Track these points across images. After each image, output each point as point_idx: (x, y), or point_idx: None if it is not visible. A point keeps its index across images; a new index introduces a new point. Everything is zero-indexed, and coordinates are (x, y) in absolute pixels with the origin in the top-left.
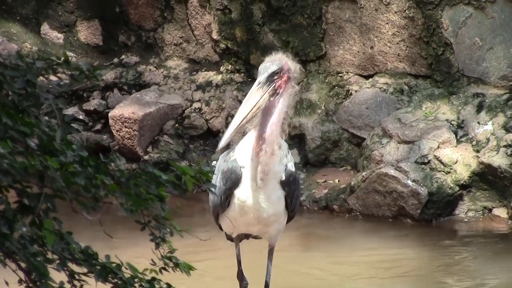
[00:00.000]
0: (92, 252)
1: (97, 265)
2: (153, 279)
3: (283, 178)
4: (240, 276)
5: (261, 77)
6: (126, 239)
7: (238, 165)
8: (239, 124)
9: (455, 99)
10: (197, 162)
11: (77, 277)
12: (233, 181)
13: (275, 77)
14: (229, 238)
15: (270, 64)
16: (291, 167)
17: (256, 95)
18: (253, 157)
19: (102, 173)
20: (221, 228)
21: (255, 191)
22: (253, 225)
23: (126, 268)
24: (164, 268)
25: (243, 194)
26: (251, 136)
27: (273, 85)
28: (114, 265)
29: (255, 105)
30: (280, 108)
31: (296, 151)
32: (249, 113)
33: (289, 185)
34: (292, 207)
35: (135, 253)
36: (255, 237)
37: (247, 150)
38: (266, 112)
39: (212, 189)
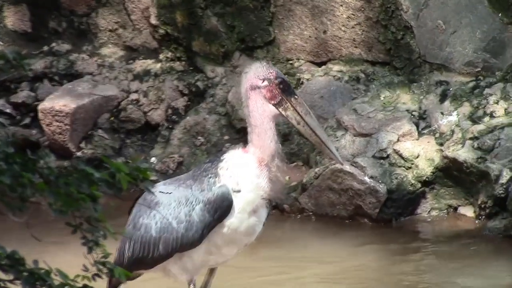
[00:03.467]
0: (19, 257)
1: (24, 271)
2: (85, 286)
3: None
4: None
5: None
6: (56, 243)
7: (229, 191)
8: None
9: (416, 88)
10: (134, 159)
11: (2, 284)
12: (224, 209)
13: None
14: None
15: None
16: None
17: None
18: (262, 176)
19: (29, 171)
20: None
21: (250, 215)
22: (229, 254)
23: (56, 275)
24: (97, 275)
25: (235, 221)
26: (239, 157)
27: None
28: (42, 271)
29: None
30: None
31: (242, 146)
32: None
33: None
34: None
35: (66, 258)
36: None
37: (242, 173)
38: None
39: (181, 224)
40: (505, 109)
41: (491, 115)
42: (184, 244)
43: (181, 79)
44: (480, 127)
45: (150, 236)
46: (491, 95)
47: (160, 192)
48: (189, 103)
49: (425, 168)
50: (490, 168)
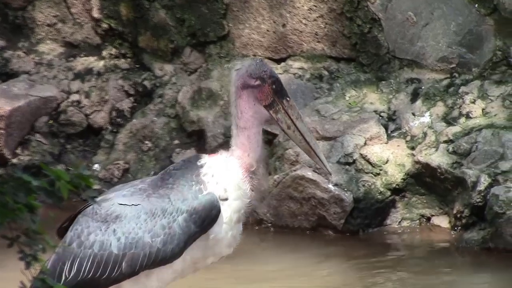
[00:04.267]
0: None
1: None
2: None
3: None
4: None
5: None
6: None
7: (216, 198)
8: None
9: (385, 86)
10: (75, 165)
11: None
12: (212, 218)
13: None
14: None
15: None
16: None
17: None
18: (246, 182)
19: None
20: None
21: (236, 223)
22: (200, 268)
23: None
24: None
25: (221, 230)
26: (223, 162)
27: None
28: None
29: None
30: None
31: (194, 151)
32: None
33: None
34: None
35: (1, 275)
36: None
37: (228, 179)
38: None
39: (157, 239)
40: (483, 109)
41: (467, 116)
42: (160, 259)
43: (127, 78)
44: (455, 129)
45: (110, 254)
46: (467, 93)
47: (120, 204)
48: (135, 104)
49: (395, 175)
50: (466, 174)
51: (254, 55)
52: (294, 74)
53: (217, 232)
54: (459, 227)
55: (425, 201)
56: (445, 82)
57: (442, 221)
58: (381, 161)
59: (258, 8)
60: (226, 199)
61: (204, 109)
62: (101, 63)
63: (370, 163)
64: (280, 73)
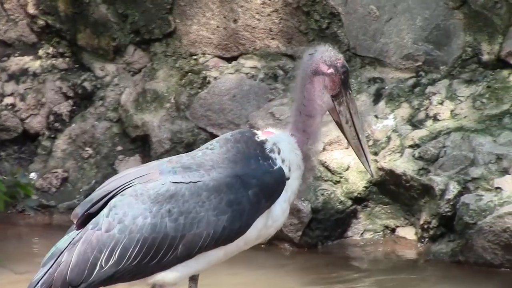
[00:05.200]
0: None
1: None
2: None
3: None
4: None
5: None
6: None
7: (284, 173)
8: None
9: None
10: (13, 172)
11: None
12: (279, 193)
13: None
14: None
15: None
16: None
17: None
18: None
19: None
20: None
21: (289, 202)
22: (245, 248)
23: None
24: None
25: (280, 208)
26: (287, 141)
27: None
28: None
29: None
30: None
31: (139, 158)
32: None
33: None
34: None
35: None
36: None
37: (291, 159)
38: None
39: (223, 216)
40: (451, 111)
41: (435, 118)
42: (223, 239)
43: (65, 79)
44: (422, 132)
45: (164, 236)
46: (434, 94)
47: (174, 182)
48: (74, 107)
49: (357, 182)
50: (434, 181)
51: (203, 54)
52: (247, 73)
53: (276, 211)
54: (427, 239)
55: (389, 211)
56: (410, 82)
57: (408, 233)
58: (342, 167)
59: (207, 2)
60: (288, 179)
61: (149, 112)
62: (37, 63)
63: (329, 170)
64: (231, 73)
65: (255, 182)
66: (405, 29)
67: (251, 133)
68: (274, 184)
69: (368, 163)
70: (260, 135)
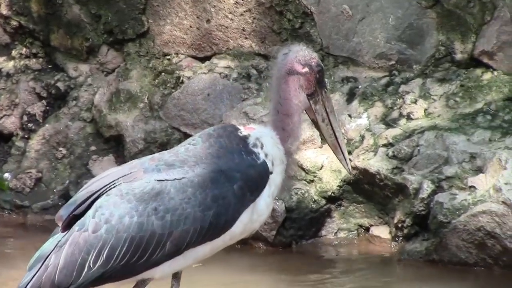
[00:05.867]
0: None
1: None
2: None
3: None
4: None
5: None
6: None
7: (268, 167)
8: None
9: None
10: None
11: None
12: (263, 187)
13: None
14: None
15: None
16: None
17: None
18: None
19: None
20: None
21: (272, 196)
22: (229, 243)
23: None
24: None
25: (264, 203)
26: (269, 136)
27: None
28: None
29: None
30: None
31: (112, 158)
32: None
33: None
34: None
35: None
36: None
37: (274, 154)
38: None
39: (209, 212)
40: (425, 110)
41: (408, 117)
42: (210, 234)
43: (38, 79)
44: (395, 131)
45: (152, 234)
46: (407, 93)
47: (158, 180)
48: (48, 108)
49: (331, 182)
50: (408, 180)
51: (177, 53)
52: (220, 73)
53: (261, 205)
54: (401, 238)
55: (363, 210)
56: (383, 81)
57: (382, 232)
58: (315, 167)
59: (180, 2)
60: (271, 173)
61: (123, 112)
62: (11, 63)
63: (303, 169)
64: (204, 73)
65: (239, 176)
66: (378, 28)
67: (233, 128)
68: (258, 177)
69: (346, 161)
70: (243, 130)
